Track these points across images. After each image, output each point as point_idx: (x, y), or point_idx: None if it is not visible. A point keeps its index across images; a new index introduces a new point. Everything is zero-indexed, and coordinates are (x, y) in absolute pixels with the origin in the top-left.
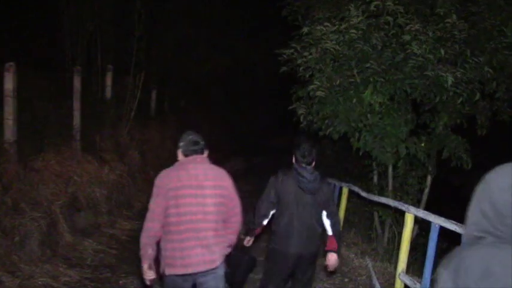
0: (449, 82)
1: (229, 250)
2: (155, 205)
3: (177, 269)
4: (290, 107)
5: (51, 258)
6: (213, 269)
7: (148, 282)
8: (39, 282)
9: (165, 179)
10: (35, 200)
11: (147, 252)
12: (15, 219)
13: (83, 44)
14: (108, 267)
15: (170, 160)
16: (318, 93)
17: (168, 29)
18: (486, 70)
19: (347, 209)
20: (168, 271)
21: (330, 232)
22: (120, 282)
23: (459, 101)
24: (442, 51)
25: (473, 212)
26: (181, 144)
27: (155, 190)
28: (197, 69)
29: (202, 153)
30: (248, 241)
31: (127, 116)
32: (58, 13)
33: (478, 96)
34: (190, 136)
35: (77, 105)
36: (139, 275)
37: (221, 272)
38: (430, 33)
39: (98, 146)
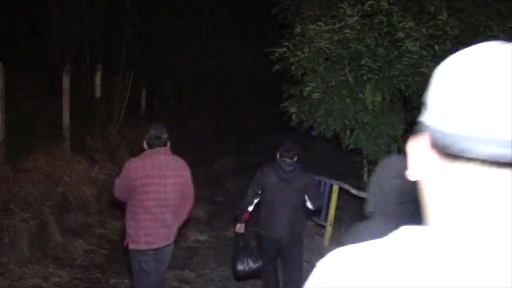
0: None
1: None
2: (121, 181)
3: (140, 245)
4: (282, 105)
5: (41, 259)
6: (170, 243)
7: None
8: (29, 283)
9: (133, 170)
10: (25, 201)
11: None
12: (4, 220)
13: (71, 43)
14: (99, 267)
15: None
16: (315, 95)
17: (158, 28)
18: None
19: (337, 207)
20: (131, 246)
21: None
22: (111, 282)
23: None
24: (437, 48)
25: (368, 193)
26: (146, 137)
27: (123, 172)
28: (187, 68)
29: (165, 145)
30: (239, 228)
31: (117, 115)
32: (46, 12)
33: None
34: (153, 131)
35: (66, 104)
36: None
37: (172, 242)
38: (424, 30)
39: (87, 146)
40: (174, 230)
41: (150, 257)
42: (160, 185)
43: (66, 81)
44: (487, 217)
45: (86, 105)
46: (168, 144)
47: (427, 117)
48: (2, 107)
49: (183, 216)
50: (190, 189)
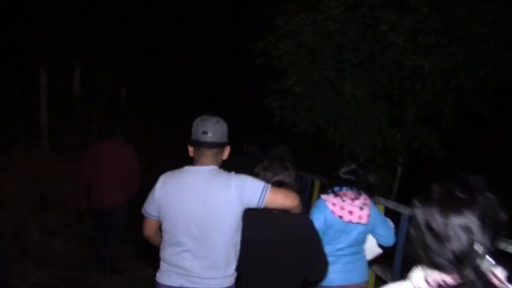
0: (427, 69)
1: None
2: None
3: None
4: (265, 101)
5: (20, 259)
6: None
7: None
8: None
9: (91, 153)
10: (2, 200)
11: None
12: None
13: (49, 39)
14: (79, 266)
15: (141, 156)
16: (296, 89)
17: (138, 24)
18: (459, 60)
19: None
20: (90, 206)
21: None
22: (91, 281)
23: (434, 90)
24: (421, 39)
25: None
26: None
27: (84, 155)
28: (168, 64)
29: (115, 136)
30: None
31: (97, 112)
32: (23, 8)
33: (452, 84)
34: (107, 126)
35: (43, 101)
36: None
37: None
38: (407, 23)
39: (66, 143)
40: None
41: (103, 216)
42: (109, 163)
43: (43, 78)
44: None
45: (64, 102)
46: (119, 135)
47: None
48: None
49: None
50: (136, 168)
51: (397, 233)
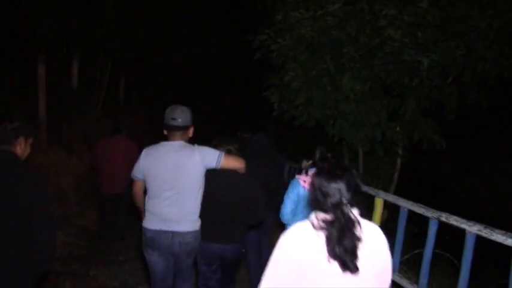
0: (426, 65)
1: None
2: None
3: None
4: (263, 94)
5: None
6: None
7: None
8: None
9: (100, 148)
10: None
11: None
12: None
13: (47, 31)
14: (78, 259)
15: (141, 146)
16: (294, 84)
17: (136, 17)
18: (458, 54)
19: None
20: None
21: None
22: (91, 273)
23: (433, 84)
24: (420, 34)
25: None
26: None
27: (94, 150)
28: (166, 57)
29: (120, 133)
30: None
31: (95, 105)
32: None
33: (450, 79)
34: (114, 125)
35: (42, 94)
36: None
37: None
38: (406, 18)
39: (65, 136)
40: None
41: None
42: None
43: (41, 70)
44: None
45: (63, 95)
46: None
47: None
48: None
49: None
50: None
51: (395, 228)
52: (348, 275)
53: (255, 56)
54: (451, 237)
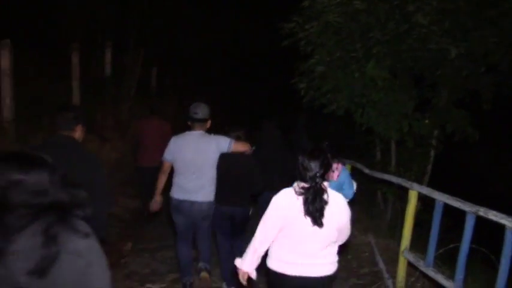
0: (453, 54)
1: None
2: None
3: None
4: (291, 81)
5: None
6: None
7: None
8: None
9: (140, 126)
10: None
11: None
12: None
13: (81, 20)
14: (111, 247)
15: (164, 141)
16: (319, 68)
17: (167, 5)
18: (491, 41)
19: None
20: (138, 165)
21: None
22: (122, 261)
23: (463, 74)
24: (447, 23)
25: None
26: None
27: (134, 128)
28: (197, 45)
29: (157, 114)
30: None
31: (127, 93)
32: None
33: (482, 69)
34: (152, 106)
35: (75, 82)
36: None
37: None
38: (434, 3)
39: (98, 124)
40: None
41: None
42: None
43: (75, 59)
44: None
45: (96, 84)
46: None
47: None
48: (11, 85)
49: None
50: None
51: (430, 218)
52: (316, 227)
53: (283, 44)
54: (487, 232)
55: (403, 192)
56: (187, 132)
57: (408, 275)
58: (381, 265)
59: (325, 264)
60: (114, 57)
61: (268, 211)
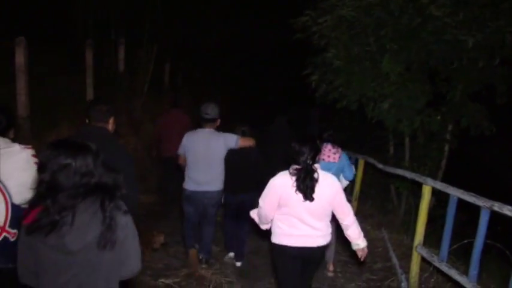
0: (470, 44)
1: None
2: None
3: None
4: (303, 72)
5: None
6: None
7: None
8: None
9: (163, 117)
10: None
11: None
12: None
13: (94, 17)
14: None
15: (185, 133)
16: (336, 63)
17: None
18: (507, 32)
19: (363, 181)
20: (160, 155)
21: None
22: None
23: (480, 66)
24: (461, 15)
25: None
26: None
27: (158, 119)
28: (209, 40)
29: (179, 107)
30: None
31: (141, 89)
32: None
33: (497, 60)
34: (175, 99)
35: (89, 79)
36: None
37: None
38: None
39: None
40: None
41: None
42: None
43: (89, 55)
44: None
45: (109, 79)
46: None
47: None
48: (26, 81)
49: None
50: None
51: (444, 214)
52: (307, 202)
53: (295, 37)
54: (503, 227)
55: (417, 187)
56: (198, 130)
57: (421, 270)
58: (394, 260)
59: (319, 236)
60: (128, 54)
61: (266, 189)
